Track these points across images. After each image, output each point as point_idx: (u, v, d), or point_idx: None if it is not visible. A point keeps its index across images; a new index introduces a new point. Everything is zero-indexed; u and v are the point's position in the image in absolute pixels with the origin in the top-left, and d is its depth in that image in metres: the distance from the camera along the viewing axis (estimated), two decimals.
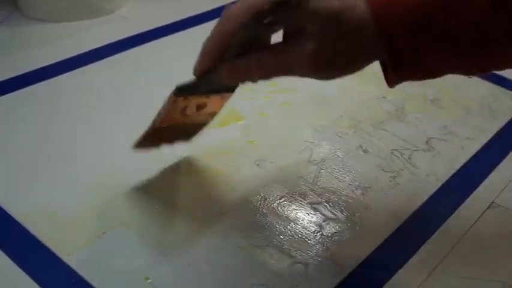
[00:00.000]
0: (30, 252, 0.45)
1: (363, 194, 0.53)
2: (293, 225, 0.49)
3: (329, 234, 0.48)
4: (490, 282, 0.45)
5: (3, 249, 0.45)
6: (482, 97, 0.68)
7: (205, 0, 0.84)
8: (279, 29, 0.41)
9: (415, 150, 0.58)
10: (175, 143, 0.53)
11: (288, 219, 0.49)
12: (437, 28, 0.36)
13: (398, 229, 0.49)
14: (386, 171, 0.56)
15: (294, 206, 0.51)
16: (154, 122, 0.48)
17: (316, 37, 0.38)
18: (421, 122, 0.62)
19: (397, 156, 0.57)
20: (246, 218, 0.49)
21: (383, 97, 0.66)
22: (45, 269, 0.44)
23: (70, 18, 0.77)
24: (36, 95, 0.63)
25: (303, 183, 0.53)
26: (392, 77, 0.39)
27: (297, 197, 0.52)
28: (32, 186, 0.51)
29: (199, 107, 0.48)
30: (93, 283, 0.43)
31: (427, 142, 0.60)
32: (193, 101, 0.47)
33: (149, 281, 0.43)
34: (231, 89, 0.47)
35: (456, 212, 0.51)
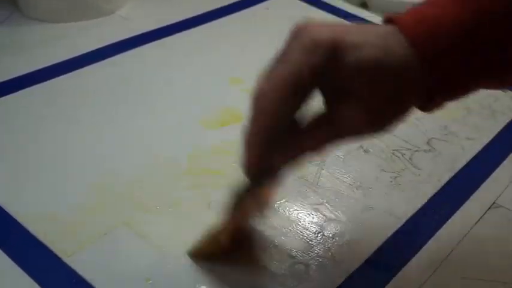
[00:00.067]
0: (30, 252, 0.45)
1: (364, 194, 0.53)
2: (294, 226, 0.49)
3: (330, 235, 0.48)
4: (492, 283, 0.45)
5: (3, 249, 0.45)
6: (483, 97, 0.68)
7: (206, 0, 0.84)
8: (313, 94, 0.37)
9: (416, 151, 0.58)
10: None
11: (288, 220, 0.49)
12: (483, 43, 0.34)
13: (400, 230, 0.49)
14: (387, 172, 0.55)
15: (294, 207, 0.51)
16: (213, 230, 0.43)
17: (366, 92, 0.34)
18: (421, 122, 0.62)
19: (398, 157, 0.57)
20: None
21: None
22: (45, 270, 0.44)
23: (70, 18, 0.77)
24: (36, 95, 0.63)
25: (303, 183, 0.53)
26: (441, 101, 0.36)
27: (297, 198, 0.52)
28: (33, 187, 0.51)
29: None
30: (94, 284, 0.43)
31: (428, 142, 0.60)
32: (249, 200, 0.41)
33: (150, 282, 0.43)
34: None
35: (457, 212, 0.51)
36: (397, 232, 0.49)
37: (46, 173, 0.53)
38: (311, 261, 0.46)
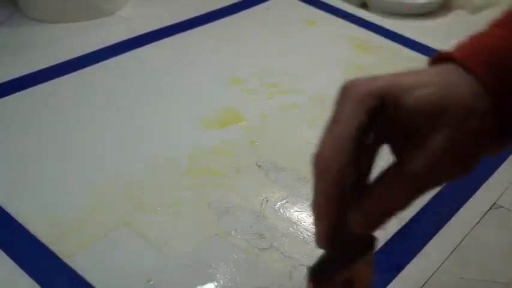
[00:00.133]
0: (31, 253, 0.45)
1: None
2: (295, 227, 0.49)
3: None
4: (492, 283, 0.45)
5: (4, 250, 0.45)
6: None
7: (206, 1, 0.83)
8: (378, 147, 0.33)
9: None
10: None
11: (289, 221, 0.49)
12: None
13: (400, 230, 0.49)
14: None
15: (295, 208, 0.51)
16: None
17: (442, 133, 0.30)
18: None
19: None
20: (248, 220, 0.49)
21: None
22: (46, 270, 0.44)
23: (71, 19, 0.77)
24: (37, 96, 0.63)
25: (304, 184, 0.53)
26: None
27: (298, 199, 0.52)
28: (33, 187, 0.51)
29: (348, 285, 0.36)
30: (95, 285, 0.43)
31: None
32: (337, 282, 0.36)
33: (151, 282, 0.43)
34: (369, 245, 0.36)
35: (458, 213, 0.51)
36: (397, 233, 0.49)
37: (46, 173, 0.53)
38: (312, 263, 0.45)
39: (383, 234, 0.49)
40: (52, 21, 0.77)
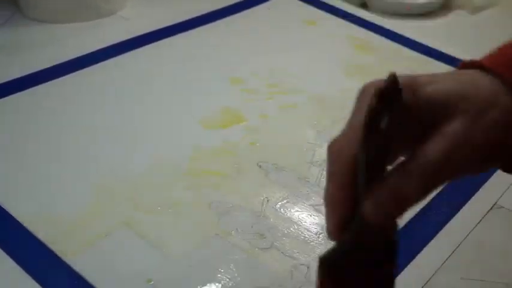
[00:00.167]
0: (32, 253, 0.45)
1: None
2: (296, 227, 0.49)
3: None
4: (493, 283, 0.45)
5: (5, 250, 0.45)
6: None
7: (207, 1, 0.83)
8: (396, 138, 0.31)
9: None
10: None
11: (290, 221, 0.49)
12: None
13: (401, 230, 0.49)
14: None
15: (296, 208, 0.51)
16: None
17: (460, 120, 0.29)
18: None
19: (400, 158, 0.57)
20: (248, 220, 0.49)
21: None
22: (47, 271, 0.44)
23: (71, 19, 0.77)
24: (37, 96, 0.63)
25: (305, 184, 0.53)
26: None
27: (299, 199, 0.52)
28: (34, 188, 0.51)
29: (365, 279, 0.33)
30: (95, 284, 0.43)
31: None
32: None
33: (152, 283, 0.43)
34: (388, 254, 0.32)
35: (459, 213, 0.51)
36: (398, 233, 0.49)
37: (47, 173, 0.53)
38: (312, 262, 0.46)
39: None
40: (52, 21, 0.77)
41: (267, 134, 0.59)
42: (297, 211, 0.50)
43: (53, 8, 0.77)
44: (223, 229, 0.48)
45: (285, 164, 0.55)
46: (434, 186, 0.28)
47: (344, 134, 0.30)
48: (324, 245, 0.47)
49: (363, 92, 0.32)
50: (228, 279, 0.44)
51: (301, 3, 0.86)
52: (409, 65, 0.70)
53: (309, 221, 0.49)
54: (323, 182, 0.54)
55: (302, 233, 0.48)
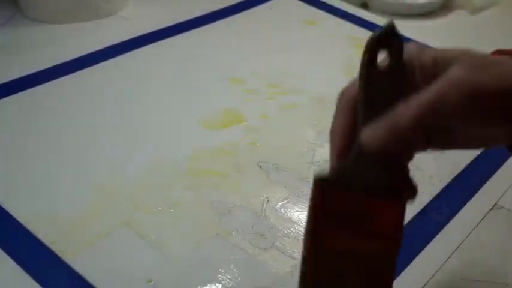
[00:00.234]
0: (31, 253, 0.45)
1: None
2: (296, 227, 0.49)
3: None
4: (494, 284, 0.45)
5: (5, 251, 0.45)
6: None
7: (208, 1, 0.83)
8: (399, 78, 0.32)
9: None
10: None
11: (290, 221, 0.49)
12: None
13: None
14: None
15: (296, 208, 0.51)
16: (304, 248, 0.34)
17: (461, 65, 0.30)
18: None
19: None
20: (249, 220, 0.49)
21: None
22: (47, 271, 0.44)
23: (71, 19, 0.77)
24: (37, 96, 0.63)
25: (305, 184, 0.53)
26: None
27: (299, 199, 0.52)
28: (34, 188, 0.51)
29: (364, 217, 0.32)
30: (96, 285, 0.43)
31: None
32: (352, 202, 0.32)
33: (152, 283, 0.43)
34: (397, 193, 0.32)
35: (459, 213, 0.51)
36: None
37: (47, 173, 0.53)
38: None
39: None
40: (53, 22, 0.77)
41: (267, 134, 0.59)
42: (298, 211, 0.50)
43: (53, 8, 0.77)
44: (224, 229, 0.48)
45: (285, 164, 0.55)
46: (428, 124, 0.30)
47: (352, 82, 0.33)
48: None
49: (342, 95, 0.34)
50: (228, 279, 0.44)
51: (301, 3, 0.86)
52: None
53: None
54: None
55: (302, 233, 0.48)
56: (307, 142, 0.58)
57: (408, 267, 0.46)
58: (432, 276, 0.45)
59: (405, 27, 0.81)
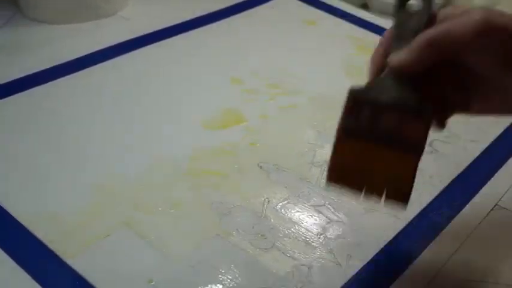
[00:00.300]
0: (32, 253, 0.45)
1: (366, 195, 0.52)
2: (296, 228, 0.49)
3: (332, 237, 0.48)
4: (494, 285, 0.45)
5: (5, 251, 0.45)
6: None
7: (208, 1, 0.83)
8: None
9: None
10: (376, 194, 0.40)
11: (291, 222, 0.49)
12: None
13: (402, 231, 0.49)
14: None
15: (297, 208, 0.51)
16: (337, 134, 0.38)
17: (481, 11, 0.35)
18: None
19: None
20: (249, 220, 0.49)
21: None
22: (47, 272, 0.44)
23: (72, 20, 0.77)
24: (38, 97, 0.63)
25: (306, 185, 0.53)
26: None
27: (300, 199, 0.52)
28: (34, 188, 0.51)
29: (391, 126, 0.38)
30: (96, 285, 0.43)
31: (430, 144, 0.59)
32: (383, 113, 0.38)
33: (152, 283, 0.43)
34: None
35: (460, 214, 0.51)
36: (399, 234, 0.49)
37: (47, 173, 0.53)
38: (313, 263, 0.46)
39: (384, 235, 0.49)
40: (53, 22, 0.77)
41: (268, 135, 0.59)
42: (298, 212, 0.50)
43: (53, 8, 0.77)
44: (224, 229, 0.48)
45: (285, 165, 0.55)
46: (439, 44, 0.36)
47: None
48: (325, 246, 0.47)
49: (385, 33, 0.40)
50: (229, 280, 0.44)
51: (301, 3, 0.86)
52: None
53: (309, 222, 0.49)
54: (324, 182, 0.54)
55: (303, 233, 0.48)
56: (308, 142, 0.58)
57: (410, 267, 0.46)
58: (433, 277, 0.45)
59: None
